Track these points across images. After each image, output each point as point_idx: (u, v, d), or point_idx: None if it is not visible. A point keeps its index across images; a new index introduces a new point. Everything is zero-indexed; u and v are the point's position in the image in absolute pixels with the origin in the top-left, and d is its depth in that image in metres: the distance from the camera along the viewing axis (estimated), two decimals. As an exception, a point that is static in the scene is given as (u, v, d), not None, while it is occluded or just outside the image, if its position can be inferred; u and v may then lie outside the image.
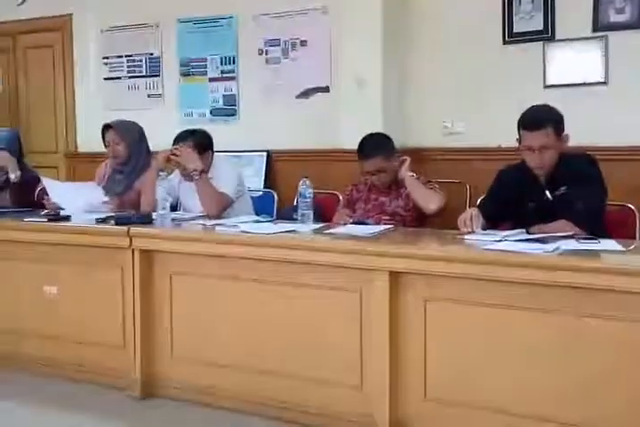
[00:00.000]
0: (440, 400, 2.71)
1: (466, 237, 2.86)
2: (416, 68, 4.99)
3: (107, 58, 6.31)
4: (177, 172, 4.00)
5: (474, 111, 4.80)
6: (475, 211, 3.05)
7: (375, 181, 3.69)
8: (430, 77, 4.95)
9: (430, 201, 3.53)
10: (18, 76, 6.86)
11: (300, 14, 5.36)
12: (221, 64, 5.77)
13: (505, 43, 4.69)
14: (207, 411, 3.13)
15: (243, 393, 3.10)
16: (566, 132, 3.09)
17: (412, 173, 3.61)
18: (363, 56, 4.94)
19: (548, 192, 3.09)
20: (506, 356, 2.56)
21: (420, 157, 4.50)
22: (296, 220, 3.39)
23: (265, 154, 5.50)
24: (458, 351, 2.67)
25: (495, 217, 3.16)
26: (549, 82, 4.54)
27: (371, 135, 3.79)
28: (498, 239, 2.74)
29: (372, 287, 2.78)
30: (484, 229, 2.99)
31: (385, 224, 3.40)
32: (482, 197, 3.49)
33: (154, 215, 3.49)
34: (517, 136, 3.14)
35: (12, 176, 4.45)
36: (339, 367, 2.90)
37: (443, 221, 3.47)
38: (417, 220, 3.61)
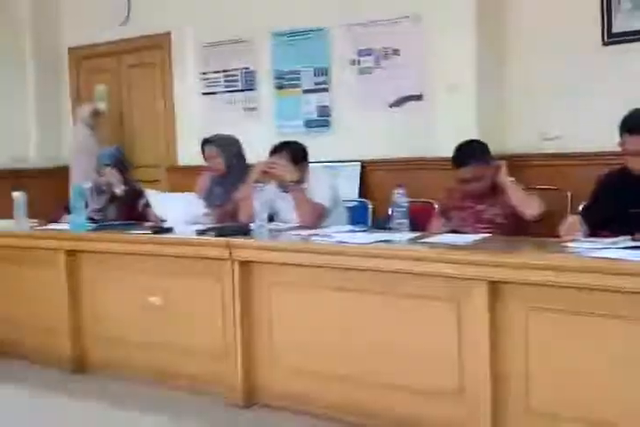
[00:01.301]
0: (543, 413, 2.61)
1: (568, 244, 2.77)
2: (512, 73, 4.87)
3: (204, 73, 6.43)
4: (274, 183, 4.03)
5: (572, 116, 4.63)
6: (576, 218, 2.95)
7: (471, 189, 3.62)
8: (527, 82, 4.81)
9: (530, 206, 3.43)
10: (122, 93, 7.08)
11: (392, 23, 5.32)
12: (314, 76, 5.79)
13: (604, 44, 4.53)
14: (306, 419, 3.12)
15: (342, 402, 3.08)
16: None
17: (511, 179, 3.52)
18: (456, 63, 4.87)
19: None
20: (612, 368, 2.45)
21: (517, 163, 4.37)
22: (391, 229, 3.37)
23: (359, 164, 5.48)
24: (562, 362, 2.57)
25: (598, 224, 3.04)
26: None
27: (466, 142, 3.72)
28: (602, 247, 2.63)
29: (470, 297, 2.71)
30: (586, 236, 2.89)
31: (482, 233, 3.33)
32: (583, 204, 3.37)
33: (252, 226, 3.52)
34: (620, 140, 3.02)
35: (117, 190, 4.60)
36: (438, 377, 2.84)
37: (542, 230, 3.36)
38: (515, 228, 3.51)
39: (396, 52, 5.35)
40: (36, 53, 7.24)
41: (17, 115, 7.15)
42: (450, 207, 3.75)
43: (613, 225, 3.05)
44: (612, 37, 4.50)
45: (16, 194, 4.26)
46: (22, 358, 3.99)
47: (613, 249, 2.59)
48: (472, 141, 3.77)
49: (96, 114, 6.52)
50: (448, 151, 3.81)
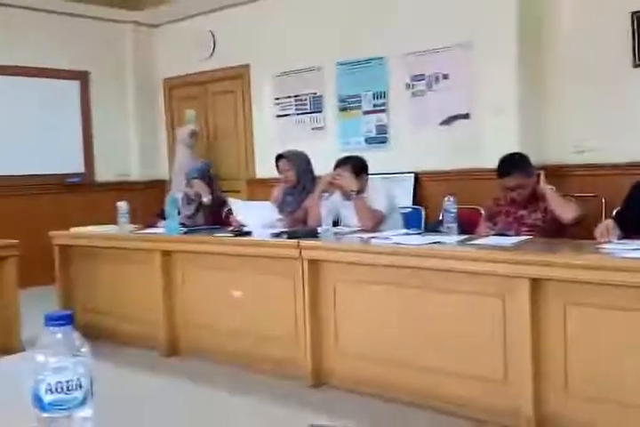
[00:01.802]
0: (580, 398, 2.54)
1: (603, 246, 2.68)
2: (551, 93, 4.77)
3: (278, 98, 6.48)
4: (338, 192, 4.02)
5: (606, 130, 4.51)
6: (610, 222, 2.86)
7: (515, 196, 3.54)
8: (565, 101, 4.71)
9: (567, 211, 3.35)
10: (208, 117, 7.18)
11: (442, 51, 5.26)
12: (374, 99, 5.77)
13: (635, 66, 4.39)
14: (367, 398, 3.09)
15: (397, 384, 3.05)
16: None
17: (551, 187, 3.45)
18: (500, 86, 4.80)
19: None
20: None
21: (556, 173, 4.28)
22: (442, 232, 3.32)
23: (413, 175, 5.43)
24: (597, 352, 2.50)
25: (630, 228, 2.94)
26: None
27: (509, 155, 3.66)
28: (634, 248, 2.54)
29: (514, 293, 2.66)
30: (619, 238, 2.79)
31: (524, 235, 3.26)
32: (617, 209, 3.26)
33: (319, 230, 3.52)
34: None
35: (205, 200, 4.67)
36: (485, 364, 2.79)
37: (580, 233, 3.27)
38: (555, 231, 3.41)
39: (445, 76, 5.30)
40: (137, 84, 7.42)
41: (120, 138, 7.33)
42: (495, 213, 3.68)
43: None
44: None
45: (120, 203, 4.36)
46: (123, 343, 4.04)
47: (642, 250, 2.50)
48: (514, 154, 3.70)
49: (193, 135, 6.63)
50: (492, 163, 3.75)
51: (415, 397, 2.96)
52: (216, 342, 3.82)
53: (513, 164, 3.54)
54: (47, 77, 6.71)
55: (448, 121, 5.29)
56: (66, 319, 0.80)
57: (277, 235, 3.59)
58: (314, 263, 3.33)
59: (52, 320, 0.79)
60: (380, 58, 5.66)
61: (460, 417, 2.79)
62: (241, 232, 3.83)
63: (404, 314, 3.05)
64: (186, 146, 6.48)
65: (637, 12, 4.35)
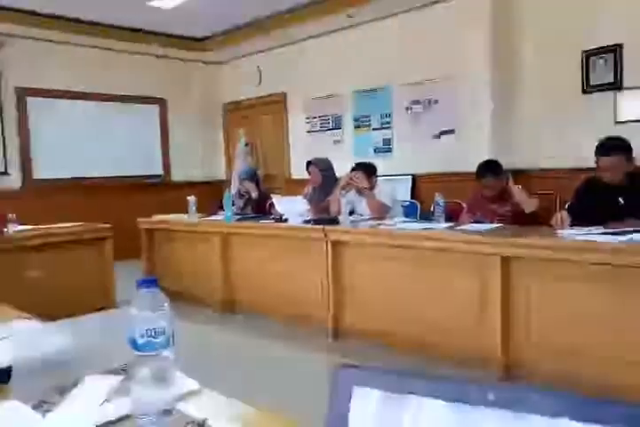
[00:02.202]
0: (538, 347, 2.51)
1: (558, 231, 2.63)
2: (518, 113, 4.69)
3: (308, 118, 6.46)
4: (354, 189, 4.00)
5: (560, 142, 4.43)
6: (564, 213, 2.80)
7: (489, 193, 3.49)
8: (528, 119, 4.64)
9: (530, 205, 3.28)
10: (255, 133, 7.16)
11: (433, 81, 5.20)
12: (381, 118, 5.72)
13: (584, 92, 4.30)
14: (375, 347, 3.05)
15: (402, 337, 3.01)
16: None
17: (517, 186, 3.39)
18: (478, 108, 4.74)
19: (620, 199, 2.78)
20: (583, 317, 2.33)
21: (521, 175, 4.21)
22: (433, 220, 3.29)
23: (411, 177, 5.39)
24: (551, 312, 2.47)
25: (579, 217, 2.87)
26: (619, 119, 4.10)
27: (485, 161, 3.59)
28: (582, 233, 2.49)
29: (489, 267, 2.63)
30: (570, 226, 2.74)
31: (497, 223, 3.21)
32: (568, 203, 3.20)
33: (339, 218, 3.51)
34: (595, 158, 2.84)
35: (253, 195, 4.68)
36: (467, 321, 2.76)
37: (539, 221, 3.21)
38: (520, 220, 3.35)
39: (436, 101, 5.23)
40: (202, 108, 7.43)
41: (189, 148, 7.35)
42: (474, 206, 3.62)
43: (589, 218, 2.88)
44: (589, 87, 4.27)
45: (189, 197, 4.38)
46: (191, 303, 4.02)
47: (589, 235, 2.45)
48: (489, 160, 3.63)
49: (247, 144, 6.48)
50: (472, 168, 3.68)
51: (412, 344, 2.95)
52: (261, 303, 3.83)
53: (488, 168, 3.48)
54: (135, 103, 6.76)
55: (438, 135, 5.23)
56: (153, 283, 0.80)
57: (307, 222, 3.59)
58: (335, 244, 3.32)
59: (142, 283, 0.80)
60: (386, 87, 5.61)
61: (446, 358, 2.77)
62: (280, 219, 3.83)
63: (404, 283, 3.03)
64: (245, 154, 6.36)
65: (587, 50, 4.27)
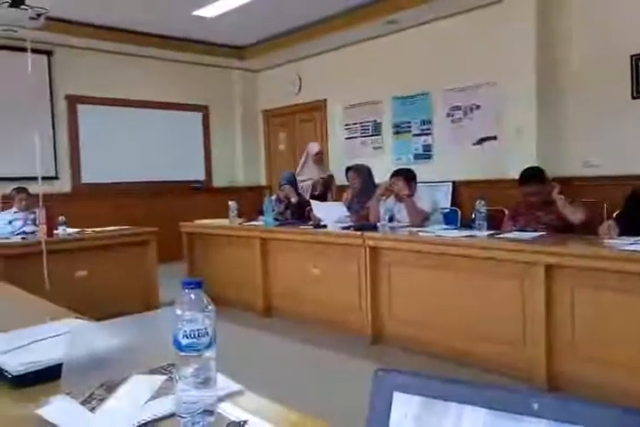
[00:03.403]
0: (583, 358, 2.43)
1: (605, 241, 2.54)
2: (563, 119, 4.58)
3: (347, 125, 6.47)
4: (393, 196, 3.98)
5: (607, 149, 4.30)
6: (612, 222, 2.71)
7: (533, 201, 3.40)
8: (575, 125, 4.52)
9: (576, 215, 3.17)
10: (295, 139, 7.25)
11: (475, 88, 5.14)
12: (421, 124, 5.69)
13: (633, 98, 4.16)
14: (413, 354, 3.05)
15: (438, 344, 3.00)
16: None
17: (561, 196, 3.28)
18: (521, 114, 4.65)
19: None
20: (631, 329, 2.24)
21: (567, 183, 4.10)
22: (474, 228, 3.23)
23: (451, 183, 5.32)
24: (597, 323, 2.39)
25: (627, 227, 2.77)
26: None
27: (529, 168, 3.51)
28: (630, 243, 2.41)
29: (532, 276, 2.57)
30: (618, 235, 2.64)
31: (540, 232, 3.13)
32: (616, 212, 3.09)
33: (378, 224, 3.49)
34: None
35: (293, 200, 4.71)
36: (508, 332, 2.70)
37: (586, 231, 3.11)
38: (565, 229, 3.26)
39: (477, 107, 5.17)
40: (243, 114, 7.55)
41: (231, 154, 7.49)
42: (517, 213, 3.54)
43: (638, 228, 2.78)
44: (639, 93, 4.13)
45: (230, 202, 4.45)
46: (230, 306, 4.05)
47: (636, 244, 2.37)
48: (533, 167, 3.55)
49: (319, 153, 5.57)
50: (514, 174, 3.62)
51: (452, 353, 2.91)
52: (299, 307, 3.85)
53: (532, 175, 3.40)
54: (179, 110, 6.94)
55: (480, 142, 5.17)
56: (197, 284, 0.82)
57: (346, 228, 3.59)
58: (374, 250, 3.31)
59: (187, 284, 0.82)
60: (426, 93, 5.58)
61: (486, 368, 2.71)
62: (319, 225, 3.84)
63: (442, 291, 2.99)
64: (312, 161, 5.52)
65: (636, 54, 4.14)
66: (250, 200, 6.49)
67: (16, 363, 0.97)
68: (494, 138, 5.04)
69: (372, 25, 5.57)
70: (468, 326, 2.86)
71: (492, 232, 3.11)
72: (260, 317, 4.03)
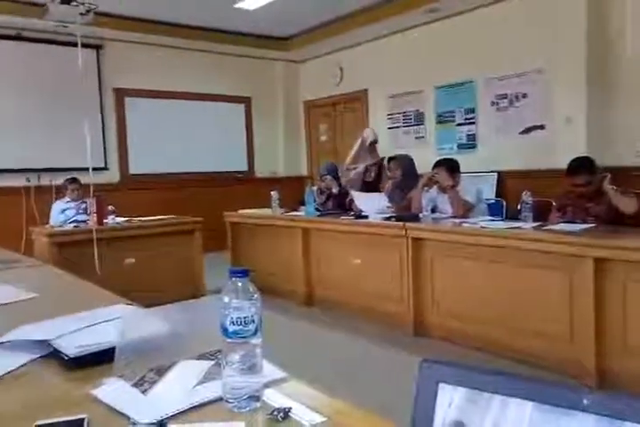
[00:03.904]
0: (636, 354, 2.34)
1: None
2: (614, 107, 4.40)
3: (390, 115, 6.41)
4: (435, 186, 3.93)
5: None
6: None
7: (582, 191, 3.29)
8: (626, 114, 4.33)
9: (629, 206, 3.04)
10: (336, 129, 7.24)
11: (521, 76, 4.99)
12: (465, 113, 5.57)
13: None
14: (456, 347, 3.02)
15: (482, 337, 2.96)
16: None
17: (612, 187, 3.15)
18: (571, 101, 4.50)
19: None
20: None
21: (619, 173, 3.93)
22: (520, 219, 3.16)
23: (496, 174, 5.20)
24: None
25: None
26: None
27: (578, 157, 3.39)
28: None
29: (580, 270, 2.49)
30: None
31: (590, 223, 3.03)
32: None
33: (420, 215, 3.46)
34: None
35: (334, 190, 4.70)
36: (555, 326, 2.64)
37: (638, 222, 2.99)
38: (616, 221, 3.14)
39: (524, 95, 5.02)
40: (284, 105, 7.58)
41: (272, 145, 7.54)
42: (565, 204, 3.44)
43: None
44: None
45: (273, 193, 4.49)
46: (273, 294, 3.98)
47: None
48: (582, 157, 3.43)
49: (375, 142, 5.31)
50: (562, 164, 3.50)
51: (496, 346, 2.87)
52: (340, 296, 3.86)
53: (581, 165, 3.28)
54: (223, 102, 7.03)
55: (526, 131, 5.03)
56: (244, 273, 0.84)
57: (388, 218, 3.57)
58: (416, 241, 3.29)
59: (234, 273, 0.83)
60: (471, 82, 5.46)
61: (532, 362, 2.66)
62: (360, 216, 3.84)
63: (487, 283, 2.94)
64: (367, 151, 5.31)
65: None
66: (291, 191, 6.52)
67: (72, 346, 1.02)
68: (542, 127, 4.89)
69: (414, 13, 5.47)
70: (512, 319, 2.81)
71: (538, 224, 3.03)
72: (301, 306, 4.06)
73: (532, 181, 4.52)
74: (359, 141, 5.36)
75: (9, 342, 1.09)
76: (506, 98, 5.16)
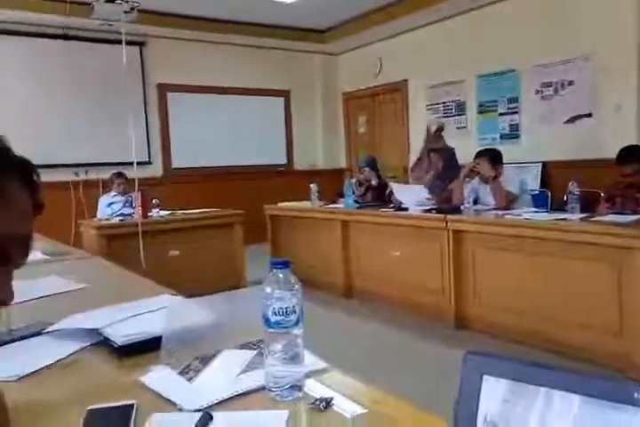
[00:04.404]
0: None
1: None
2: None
3: (429, 105, 6.31)
4: (477, 177, 3.85)
5: None
6: None
7: (632, 181, 3.17)
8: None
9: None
10: (375, 121, 7.19)
11: (567, 63, 4.82)
12: (508, 103, 5.43)
13: None
14: (497, 340, 2.97)
15: (524, 330, 2.90)
16: None
17: None
18: (620, 88, 4.32)
19: None
20: None
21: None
22: (566, 211, 3.06)
23: (540, 164, 5.06)
24: None
25: None
26: None
27: (628, 146, 3.27)
28: None
29: (630, 262, 2.40)
30: None
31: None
32: None
33: (462, 207, 3.41)
34: None
35: (373, 182, 4.68)
36: (603, 319, 2.56)
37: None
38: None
39: (570, 82, 4.85)
40: (323, 98, 7.57)
41: (312, 137, 7.56)
42: (613, 195, 3.32)
43: None
44: None
45: (312, 185, 4.51)
46: (312, 286, 3.94)
47: None
48: (633, 146, 3.31)
49: (440, 130, 4.82)
50: (611, 154, 3.37)
51: (539, 340, 2.80)
52: (380, 289, 3.84)
53: (631, 153, 3.17)
54: (262, 95, 7.08)
55: (572, 120, 4.86)
56: (285, 264, 0.85)
57: (428, 210, 3.53)
58: (457, 233, 3.24)
59: (276, 264, 0.84)
60: (513, 70, 5.31)
61: (577, 360, 2.59)
62: (400, 208, 3.81)
63: (530, 276, 2.88)
64: (436, 138, 5.15)
65: None
66: (330, 183, 6.52)
67: (120, 334, 1.05)
68: (589, 115, 4.71)
69: (453, 2, 5.35)
70: (557, 312, 2.74)
71: (585, 215, 2.94)
72: (340, 298, 4.07)
73: (579, 171, 4.37)
74: (425, 133, 5.18)
75: (60, 330, 1.14)
76: (551, 86, 5.00)
